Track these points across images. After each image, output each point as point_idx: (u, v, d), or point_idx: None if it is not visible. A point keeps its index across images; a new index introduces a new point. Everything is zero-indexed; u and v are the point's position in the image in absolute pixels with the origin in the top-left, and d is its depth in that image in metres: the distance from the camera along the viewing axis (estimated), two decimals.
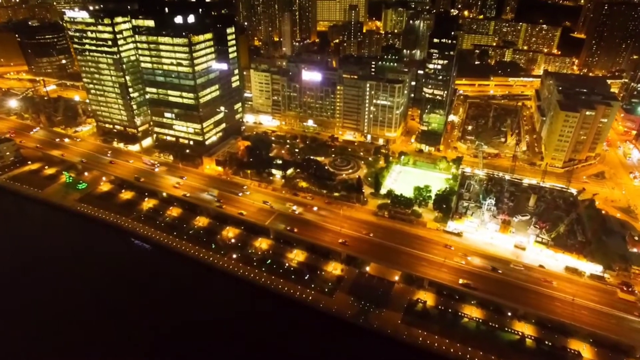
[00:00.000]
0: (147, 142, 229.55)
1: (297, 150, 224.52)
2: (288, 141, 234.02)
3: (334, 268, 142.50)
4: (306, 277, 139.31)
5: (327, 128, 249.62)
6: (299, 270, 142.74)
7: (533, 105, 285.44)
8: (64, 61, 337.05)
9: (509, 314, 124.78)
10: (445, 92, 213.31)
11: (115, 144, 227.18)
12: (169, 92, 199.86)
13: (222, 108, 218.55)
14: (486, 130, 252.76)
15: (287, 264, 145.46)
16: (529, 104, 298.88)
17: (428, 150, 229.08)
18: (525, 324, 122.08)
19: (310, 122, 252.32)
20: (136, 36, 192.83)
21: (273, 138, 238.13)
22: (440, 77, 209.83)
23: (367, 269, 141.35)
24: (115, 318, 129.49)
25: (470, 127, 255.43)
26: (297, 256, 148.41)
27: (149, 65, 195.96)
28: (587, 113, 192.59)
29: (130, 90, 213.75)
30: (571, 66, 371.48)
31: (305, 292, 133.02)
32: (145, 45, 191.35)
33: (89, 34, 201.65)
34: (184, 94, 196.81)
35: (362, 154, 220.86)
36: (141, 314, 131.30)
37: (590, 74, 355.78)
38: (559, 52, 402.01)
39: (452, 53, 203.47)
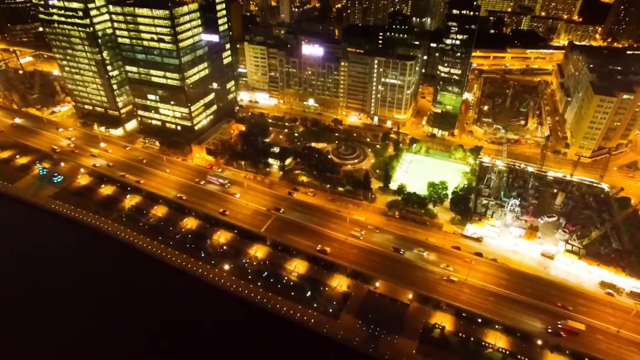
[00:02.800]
0: (132, 124, 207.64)
1: (296, 134, 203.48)
2: (286, 124, 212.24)
3: (339, 284, 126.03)
4: (308, 294, 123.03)
5: (330, 108, 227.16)
6: (299, 285, 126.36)
7: (554, 82, 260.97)
8: (41, 29, 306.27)
9: (539, 342, 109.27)
10: (463, 70, 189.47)
11: (95, 128, 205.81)
12: (151, 71, 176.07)
13: (215, 85, 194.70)
14: (504, 111, 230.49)
15: (286, 277, 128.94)
16: (549, 79, 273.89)
17: (441, 135, 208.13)
18: (558, 355, 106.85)
19: (311, 102, 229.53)
20: (110, 6, 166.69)
21: (270, 120, 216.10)
22: (459, 53, 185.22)
23: (377, 284, 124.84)
24: (88, 334, 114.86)
25: (486, 108, 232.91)
26: (297, 267, 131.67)
27: (127, 41, 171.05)
28: (625, 97, 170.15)
29: (109, 68, 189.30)
30: (594, 35, 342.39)
31: (306, 314, 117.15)
32: (121, 18, 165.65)
33: (56, 2, 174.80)
34: (168, 74, 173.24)
35: (368, 140, 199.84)
36: (118, 329, 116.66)
37: (616, 44, 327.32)
38: (581, 19, 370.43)
39: (473, 27, 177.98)
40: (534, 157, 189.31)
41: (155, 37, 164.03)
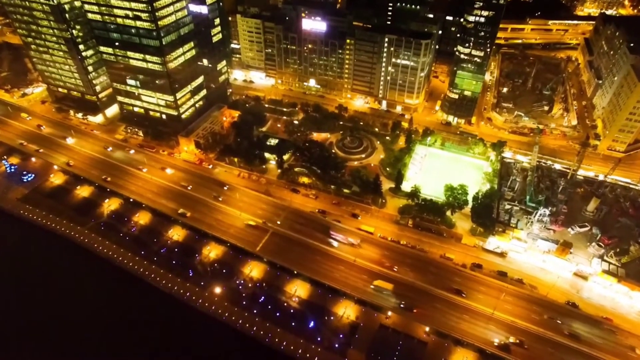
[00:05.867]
0: (114, 109, 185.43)
1: (296, 122, 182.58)
2: (285, 109, 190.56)
3: (346, 312, 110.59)
4: (311, 325, 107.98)
5: (333, 90, 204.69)
6: (300, 312, 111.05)
7: (581, 59, 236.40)
8: None
9: None
10: (487, 51, 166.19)
11: (72, 114, 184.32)
12: (129, 53, 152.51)
13: (205, 62, 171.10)
14: (525, 94, 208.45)
15: (285, 303, 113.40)
16: (574, 55, 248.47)
17: (457, 123, 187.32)
18: None
19: (312, 82, 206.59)
20: None
21: (267, 105, 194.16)
22: (482, 32, 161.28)
23: (389, 313, 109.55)
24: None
25: (505, 90, 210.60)
26: (297, 291, 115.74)
27: (98, 18, 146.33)
28: None
29: (82, 47, 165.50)
30: (622, 1, 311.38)
31: (309, 350, 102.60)
32: None
33: None
34: (148, 57, 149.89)
35: (377, 129, 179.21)
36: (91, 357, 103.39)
37: None
38: None
39: (501, 2, 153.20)
40: (559, 150, 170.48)
41: (130, 13, 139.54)
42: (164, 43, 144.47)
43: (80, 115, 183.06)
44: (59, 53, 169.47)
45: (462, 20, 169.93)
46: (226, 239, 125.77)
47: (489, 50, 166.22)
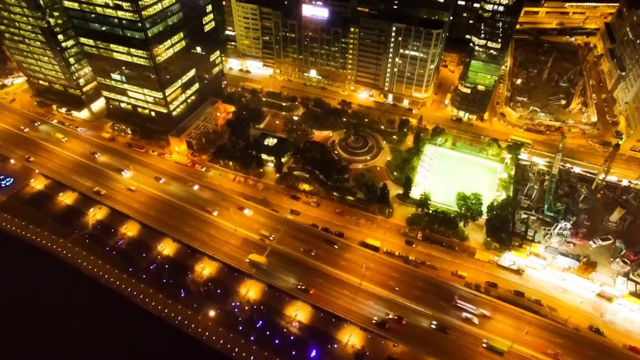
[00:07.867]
0: (101, 103, 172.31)
1: (295, 118, 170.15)
2: (284, 104, 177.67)
3: (351, 341, 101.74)
4: (313, 354, 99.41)
5: (335, 81, 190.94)
6: (301, 339, 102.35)
7: (600, 46, 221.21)
8: None
9: None
10: (504, 43, 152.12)
11: (54, 109, 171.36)
12: (112, 46, 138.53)
13: (198, 50, 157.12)
14: (540, 86, 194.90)
15: (285, 329, 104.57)
16: (593, 41, 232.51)
17: (468, 119, 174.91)
18: None
19: (313, 73, 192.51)
20: None
21: (264, 98, 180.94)
22: (501, 22, 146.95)
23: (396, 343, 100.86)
24: None
25: (519, 81, 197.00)
26: (298, 314, 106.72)
27: (75, 6, 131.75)
28: None
29: (61, 37, 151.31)
30: None
31: None
32: None
33: None
34: (133, 51, 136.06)
35: (382, 127, 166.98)
36: None
37: None
38: None
39: None
40: (578, 151, 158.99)
41: (110, 2, 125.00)
42: (149, 35, 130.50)
43: (63, 110, 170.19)
44: (36, 43, 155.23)
45: (477, 7, 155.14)
46: (220, 257, 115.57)
47: (507, 41, 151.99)
